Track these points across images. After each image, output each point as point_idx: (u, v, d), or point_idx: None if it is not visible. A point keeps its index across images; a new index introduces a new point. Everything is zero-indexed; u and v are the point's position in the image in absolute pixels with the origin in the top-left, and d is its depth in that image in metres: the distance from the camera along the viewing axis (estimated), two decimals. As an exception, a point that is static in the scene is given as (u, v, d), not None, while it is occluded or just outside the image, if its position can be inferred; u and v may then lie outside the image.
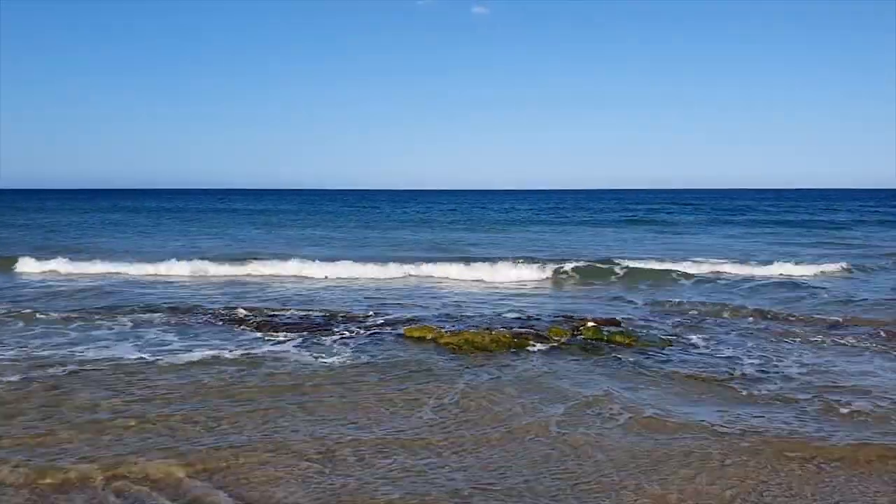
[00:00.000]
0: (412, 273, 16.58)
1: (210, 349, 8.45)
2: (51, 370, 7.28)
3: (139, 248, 22.42)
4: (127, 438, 5.36)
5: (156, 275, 16.18)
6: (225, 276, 16.08)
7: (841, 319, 10.60)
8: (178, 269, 16.69)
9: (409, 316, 10.77)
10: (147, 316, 10.56)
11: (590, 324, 9.89)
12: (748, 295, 12.86)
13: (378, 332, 9.69)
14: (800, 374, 7.65)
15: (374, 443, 5.33)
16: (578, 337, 9.32)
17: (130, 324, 10.03)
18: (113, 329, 9.71)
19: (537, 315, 10.56)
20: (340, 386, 6.93)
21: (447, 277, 16.16)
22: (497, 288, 14.65)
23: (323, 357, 8.25)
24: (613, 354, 8.51)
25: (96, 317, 10.41)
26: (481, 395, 6.67)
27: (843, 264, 16.50)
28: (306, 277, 15.95)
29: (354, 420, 5.90)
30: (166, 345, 8.80)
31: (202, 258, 17.59)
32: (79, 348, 8.45)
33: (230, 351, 8.38)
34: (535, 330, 9.58)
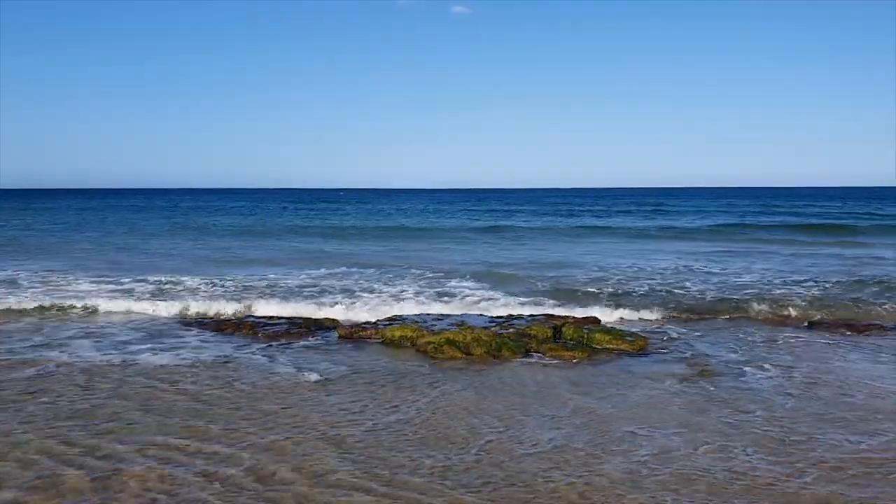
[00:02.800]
0: None
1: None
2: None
3: None
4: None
5: None
6: None
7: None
8: None
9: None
10: None
11: (570, 322, 9.91)
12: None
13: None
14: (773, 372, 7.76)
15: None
16: (559, 337, 9.35)
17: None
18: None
19: (518, 313, 10.58)
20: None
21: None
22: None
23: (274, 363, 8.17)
24: (597, 356, 8.58)
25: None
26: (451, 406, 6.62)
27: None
28: None
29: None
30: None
31: None
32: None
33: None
34: (515, 328, 9.58)
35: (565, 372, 7.90)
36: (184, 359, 8.30)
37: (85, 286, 13.30)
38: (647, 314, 11.16)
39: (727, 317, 10.99)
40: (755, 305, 11.38)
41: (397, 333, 9.41)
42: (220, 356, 8.46)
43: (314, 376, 7.62)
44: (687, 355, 8.57)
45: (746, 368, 7.93)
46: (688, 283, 13.68)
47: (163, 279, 14.16)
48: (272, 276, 14.99)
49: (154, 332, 9.89)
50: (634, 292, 12.75)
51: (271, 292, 12.76)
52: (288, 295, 12.61)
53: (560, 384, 7.38)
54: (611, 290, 13.00)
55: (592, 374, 7.80)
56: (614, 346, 9.00)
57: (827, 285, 13.31)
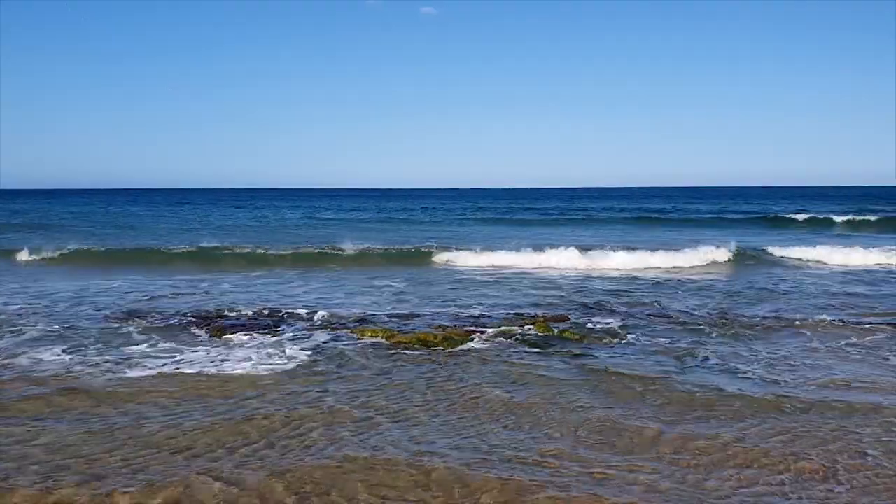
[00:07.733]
0: None
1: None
2: None
3: None
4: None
5: None
6: None
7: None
8: None
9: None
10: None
11: (540, 321, 10.02)
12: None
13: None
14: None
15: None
16: (530, 334, 9.47)
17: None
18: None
19: (488, 314, 10.67)
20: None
21: None
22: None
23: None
24: (563, 349, 8.74)
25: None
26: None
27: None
28: None
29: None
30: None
31: None
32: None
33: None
34: (487, 328, 9.67)
35: (524, 360, 8.12)
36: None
37: None
38: (619, 315, 11.23)
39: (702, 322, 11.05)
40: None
41: (367, 335, 9.50)
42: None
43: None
44: (656, 350, 8.70)
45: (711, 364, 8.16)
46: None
47: None
48: None
49: None
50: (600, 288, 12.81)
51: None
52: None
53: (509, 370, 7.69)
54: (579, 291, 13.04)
55: (544, 363, 8.02)
56: (584, 342, 9.13)
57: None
